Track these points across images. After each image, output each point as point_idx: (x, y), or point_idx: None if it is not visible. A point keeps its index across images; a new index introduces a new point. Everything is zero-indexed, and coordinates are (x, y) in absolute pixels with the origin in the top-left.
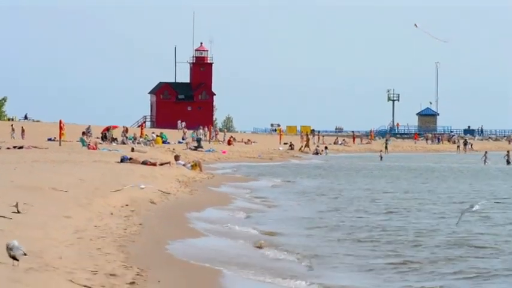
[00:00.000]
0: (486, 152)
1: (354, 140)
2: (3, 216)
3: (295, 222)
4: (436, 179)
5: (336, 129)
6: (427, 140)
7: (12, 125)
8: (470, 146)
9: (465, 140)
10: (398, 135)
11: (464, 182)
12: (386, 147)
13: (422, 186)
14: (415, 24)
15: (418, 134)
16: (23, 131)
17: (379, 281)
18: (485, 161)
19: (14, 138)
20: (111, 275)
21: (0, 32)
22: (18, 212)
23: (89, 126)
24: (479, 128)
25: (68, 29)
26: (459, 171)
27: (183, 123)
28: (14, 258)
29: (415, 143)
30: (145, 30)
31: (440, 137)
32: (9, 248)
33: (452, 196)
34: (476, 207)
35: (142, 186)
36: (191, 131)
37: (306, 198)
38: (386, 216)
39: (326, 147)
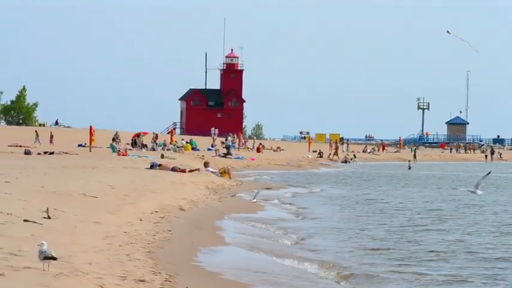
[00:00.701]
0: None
1: (383, 149)
2: (34, 222)
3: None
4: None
5: (366, 137)
6: (451, 149)
7: (36, 131)
8: (499, 156)
9: (492, 149)
10: (427, 144)
11: None
12: (414, 156)
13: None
14: (448, 31)
15: (445, 143)
16: (51, 136)
17: None
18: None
19: (39, 143)
20: (140, 280)
21: (33, 37)
22: (49, 217)
23: (117, 132)
24: None
25: (100, 36)
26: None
27: (216, 130)
28: (51, 258)
29: (442, 152)
30: (176, 36)
31: (467, 146)
32: (41, 251)
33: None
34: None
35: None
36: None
37: (335, 207)
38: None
39: (354, 156)
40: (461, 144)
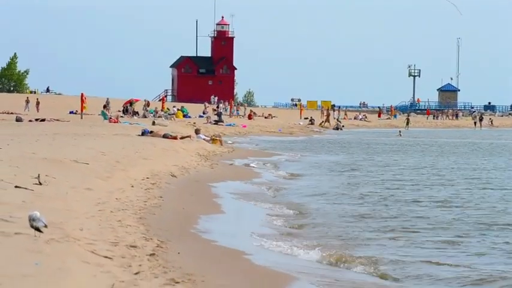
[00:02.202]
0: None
1: (379, 115)
2: (25, 188)
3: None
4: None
5: (360, 104)
6: (434, 116)
7: (27, 98)
8: (490, 122)
9: (481, 115)
10: (418, 111)
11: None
12: (407, 123)
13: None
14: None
15: (429, 110)
16: (37, 103)
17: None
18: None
19: (28, 110)
20: (131, 246)
21: (26, 4)
22: (40, 183)
23: (107, 99)
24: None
25: (92, 3)
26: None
27: (216, 98)
28: (36, 229)
29: (427, 118)
30: (167, 4)
31: (451, 113)
32: (31, 219)
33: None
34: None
35: None
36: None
37: (322, 172)
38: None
39: (341, 124)
40: (448, 111)
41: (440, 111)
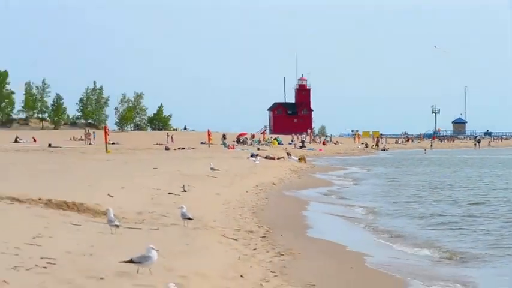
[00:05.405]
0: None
1: (409, 140)
2: (175, 194)
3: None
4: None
5: (403, 133)
6: (441, 140)
7: (168, 133)
8: (489, 143)
9: (479, 139)
10: (440, 137)
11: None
12: (431, 145)
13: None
14: (435, 46)
15: (435, 136)
16: (171, 137)
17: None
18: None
19: (172, 142)
20: (249, 231)
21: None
22: (185, 191)
23: (224, 134)
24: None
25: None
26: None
27: (304, 133)
28: (188, 218)
29: (433, 142)
30: (263, 67)
31: (448, 138)
32: (182, 214)
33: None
34: None
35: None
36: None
37: (381, 179)
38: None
39: (387, 146)
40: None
41: (453, 136)
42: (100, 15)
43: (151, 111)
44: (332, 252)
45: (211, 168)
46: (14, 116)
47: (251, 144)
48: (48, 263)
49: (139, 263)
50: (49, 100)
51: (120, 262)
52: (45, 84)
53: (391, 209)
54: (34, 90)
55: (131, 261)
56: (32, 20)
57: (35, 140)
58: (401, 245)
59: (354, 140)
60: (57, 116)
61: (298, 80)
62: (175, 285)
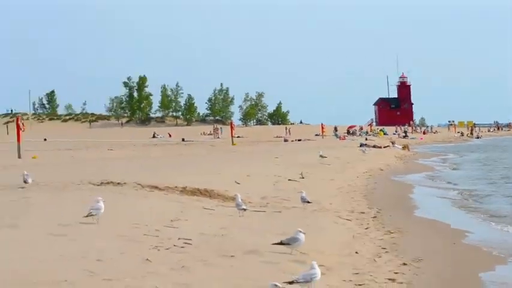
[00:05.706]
0: None
1: (499, 129)
2: (294, 180)
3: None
4: None
5: (494, 122)
6: None
7: (286, 127)
8: None
9: None
10: None
11: None
12: None
13: None
14: None
15: None
16: (289, 130)
17: None
18: None
19: (289, 134)
20: (361, 212)
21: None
22: (303, 177)
23: (335, 126)
24: None
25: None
26: None
27: (406, 124)
28: (308, 202)
29: None
30: (372, 67)
31: None
32: (302, 198)
33: None
34: None
35: None
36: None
37: (478, 164)
38: None
39: (462, 134)
40: None
41: None
42: (228, 25)
43: (271, 108)
44: (437, 230)
45: (321, 156)
46: (151, 115)
47: (360, 135)
48: (185, 243)
49: (288, 244)
50: (182, 100)
51: (273, 244)
52: (178, 87)
53: (490, 191)
54: (169, 92)
55: (281, 243)
56: (168, 36)
57: (170, 135)
58: (501, 224)
59: (449, 129)
60: (189, 113)
61: (399, 77)
62: (278, 284)
